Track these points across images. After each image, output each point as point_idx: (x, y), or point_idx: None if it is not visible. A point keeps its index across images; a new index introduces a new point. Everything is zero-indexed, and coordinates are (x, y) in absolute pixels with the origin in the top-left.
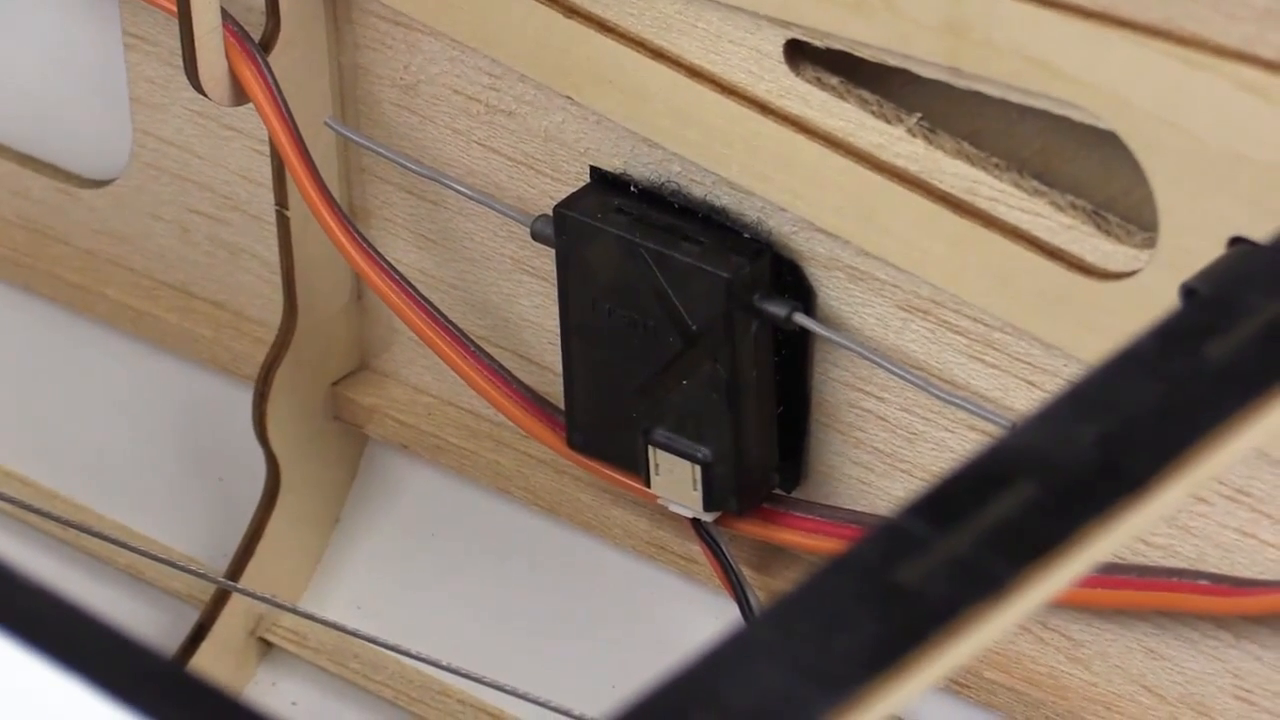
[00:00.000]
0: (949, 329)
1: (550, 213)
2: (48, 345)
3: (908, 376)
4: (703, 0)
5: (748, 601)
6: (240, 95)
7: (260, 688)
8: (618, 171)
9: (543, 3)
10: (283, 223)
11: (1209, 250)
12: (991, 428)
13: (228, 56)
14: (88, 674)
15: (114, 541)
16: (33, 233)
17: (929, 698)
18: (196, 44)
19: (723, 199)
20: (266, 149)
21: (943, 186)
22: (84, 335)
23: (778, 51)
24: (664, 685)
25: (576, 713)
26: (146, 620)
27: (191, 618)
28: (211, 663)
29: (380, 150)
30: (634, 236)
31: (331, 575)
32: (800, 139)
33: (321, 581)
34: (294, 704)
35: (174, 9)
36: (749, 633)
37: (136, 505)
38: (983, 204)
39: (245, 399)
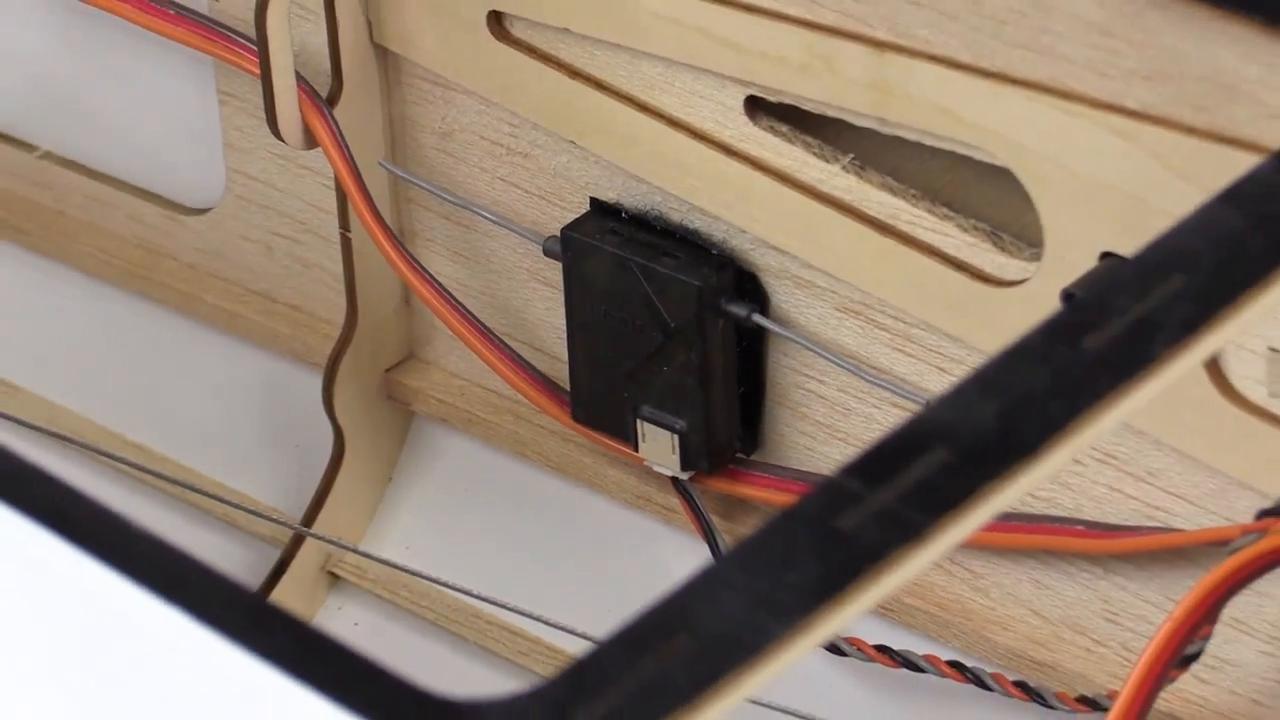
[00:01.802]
0: (876, 326)
1: (559, 234)
2: (160, 341)
3: (843, 364)
4: (679, 65)
5: (716, 544)
6: (311, 141)
7: (328, 612)
8: (612, 201)
9: (551, 66)
10: (345, 243)
11: (1084, 263)
12: (911, 405)
13: (301, 110)
14: (187, 605)
15: (212, 496)
16: (147, 251)
17: (860, 618)
18: (276, 100)
19: (695, 223)
20: (332, 184)
21: (870, 212)
22: (188, 333)
23: (739, 105)
24: (650, 611)
25: (580, 631)
26: (239, 559)
27: (274, 556)
28: (290, 592)
29: (423, 184)
30: (625, 253)
31: (385, 522)
32: (757, 175)
33: (377, 527)
34: (355, 624)
35: (257, 72)
36: (717, 570)
37: (230, 467)
38: (903, 226)
39: (316, 382)
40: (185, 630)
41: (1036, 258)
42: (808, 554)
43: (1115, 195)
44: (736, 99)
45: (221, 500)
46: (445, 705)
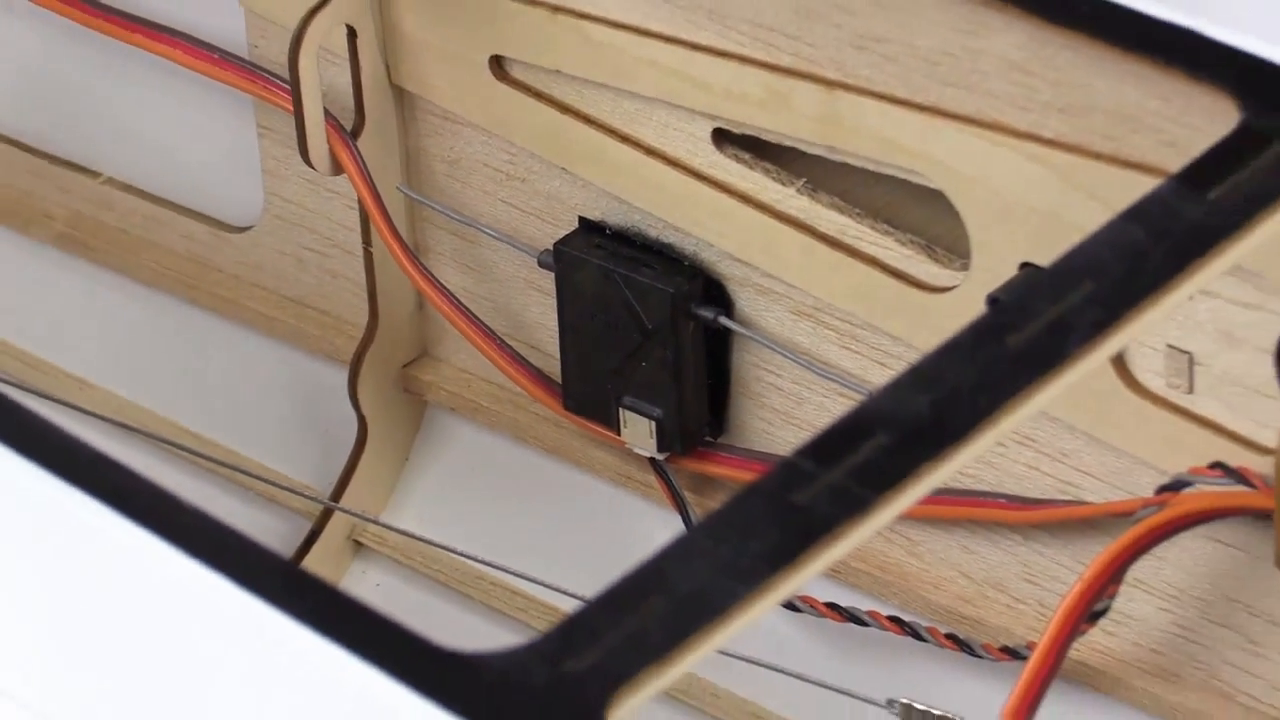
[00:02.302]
0: (825, 327)
1: (551, 248)
2: (208, 342)
3: (797, 360)
4: (656, 101)
5: (688, 516)
6: (338, 168)
7: (353, 576)
8: (598, 220)
9: (545, 103)
10: (368, 256)
11: (1007, 272)
12: (856, 395)
13: (329, 142)
14: (229, 571)
15: (253, 475)
16: (197, 264)
17: (813, 580)
18: (307, 133)
19: (669, 238)
20: (356, 205)
21: (821, 229)
22: (232, 335)
23: (707, 136)
24: (630, 575)
25: (571, 591)
26: (275, 530)
27: (306, 527)
28: (320, 558)
29: (434, 205)
30: (609, 265)
31: (402, 497)
32: (722, 197)
33: (395, 502)
34: (377, 585)
35: (291, 108)
36: (688, 539)
37: (268, 450)
38: (849, 240)
39: (343, 377)
40: (227, 593)
41: (965, 267)
42: (767, 525)
43: (1033, 213)
44: (705, 131)
45: (261, 479)
46: (453, 657)
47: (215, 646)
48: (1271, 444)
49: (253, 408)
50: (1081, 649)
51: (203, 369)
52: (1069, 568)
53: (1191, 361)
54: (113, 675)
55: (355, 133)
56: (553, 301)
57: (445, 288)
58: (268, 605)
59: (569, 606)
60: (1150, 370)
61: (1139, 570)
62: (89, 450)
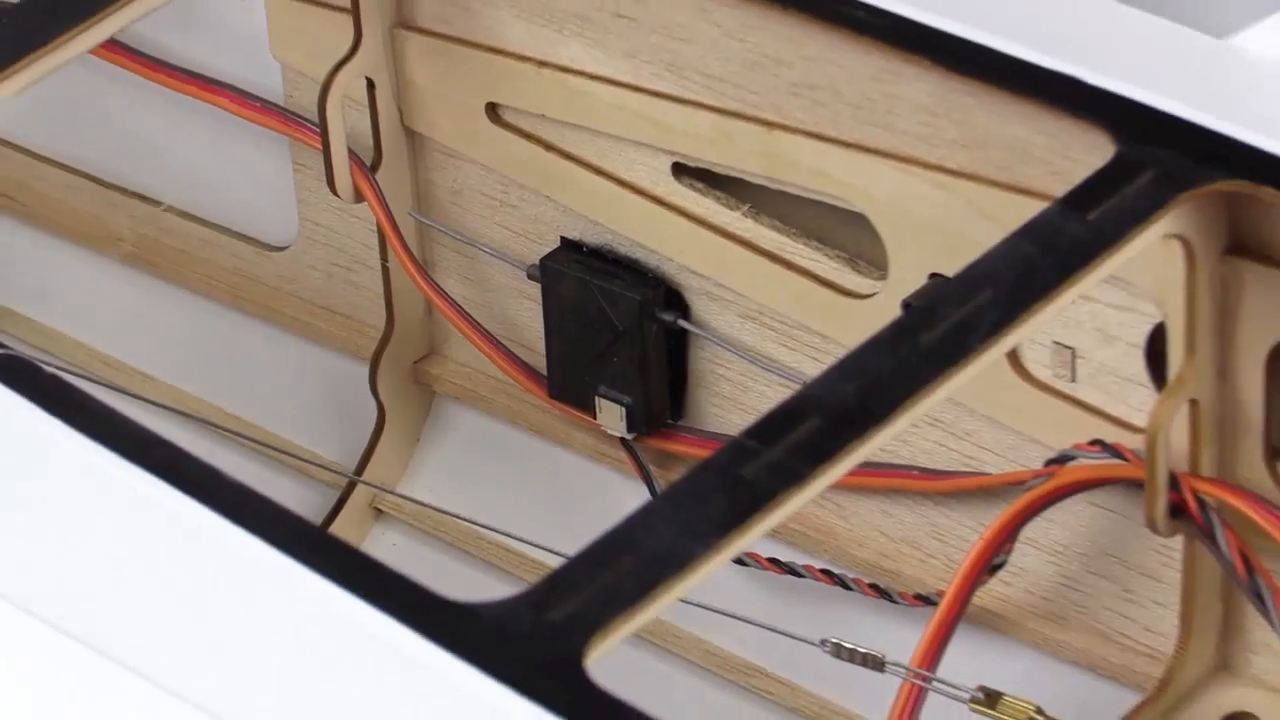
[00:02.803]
0: (767, 327)
1: (538, 263)
2: (252, 342)
3: (743, 355)
4: (625, 140)
5: (653, 487)
6: (359, 197)
7: (374, 538)
8: (576, 239)
9: (532, 143)
10: (385, 271)
11: (918, 281)
12: (793, 385)
13: (352, 175)
14: (266, 536)
15: (289, 453)
16: (243, 277)
17: (757, 540)
18: (334, 168)
19: (636, 254)
20: (375, 229)
21: (763, 246)
22: (272, 337)
23: (667, 169)
24: (604, 537)
25: (556, 550)
26: (308, 500)
27: (334, 497)
28: (345, 523)
29: (440, 228)
30: (586, 276)
31: (415, 472)
32: (680, 219)
33: (409, 475)
34: (394, 545)
35: (320, 147)
36: (653, 507)
37: (304, 431)
38: (787, 256)
39: (364, 371)
40: (265, 554)
41: (883, 278)
42: (719, 495)
43: (940, 232)
44: (665, 165)
45: (295, 456)
46: (455, 606)
47: (255, 598)
48: (1142, 425)
49: (288, 397)
50: (982, 596)
51: (247, 365)
52: (971, 528)
53: (1074, 355)
54: (169, 618)
55: (374, 167)
56: (539, 308)
57: (449, 296)
58: (299, 564)
59: (554, 563)
60: (1039, 363)
61: (1030, 530)
62: (148, 433)
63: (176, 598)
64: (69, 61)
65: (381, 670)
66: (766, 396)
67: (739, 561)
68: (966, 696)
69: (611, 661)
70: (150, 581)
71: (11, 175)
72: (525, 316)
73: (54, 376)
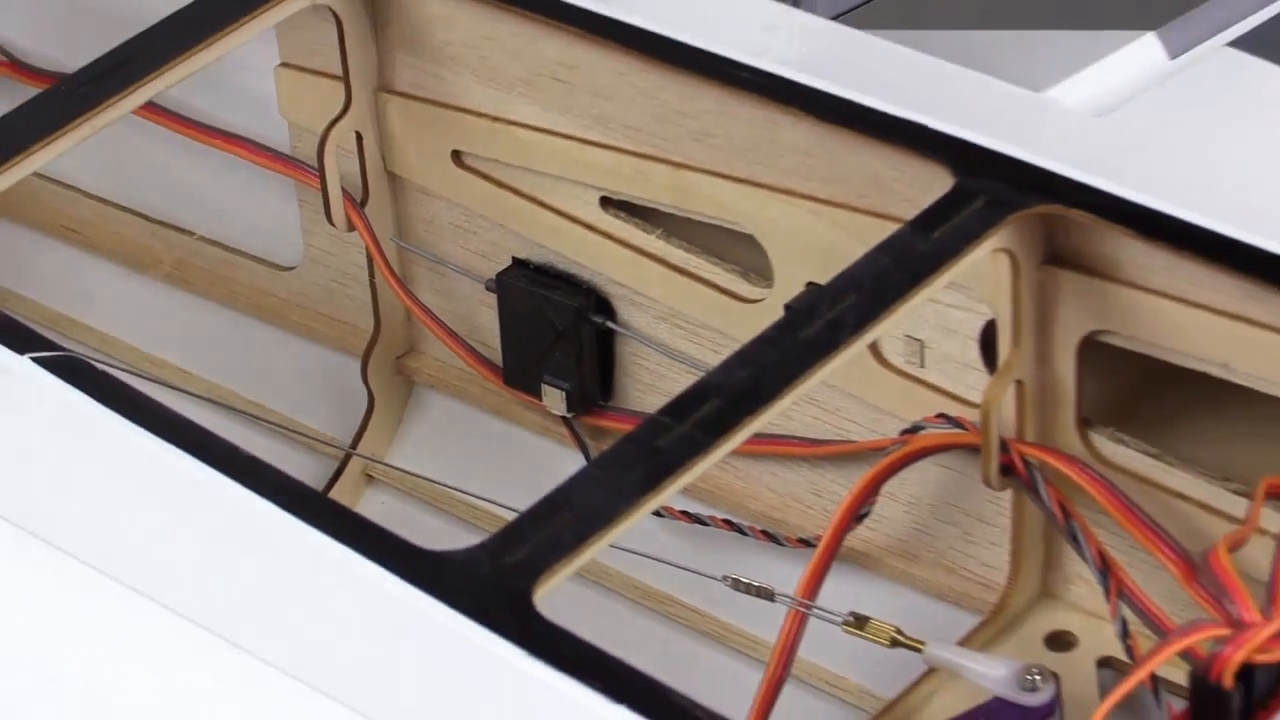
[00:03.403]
0: (677, 327)
1: (495, 278)
2: (267, 343)
3: (659, 349)
4: (562, 179)
5: (588, 456)
6: (351, 227)
7: (366, 499)
8: (525, 258)
9: (489, 182)
10: (373, 286)
11: (797, 289)
12: (698, 373)
13: (346, 209)
14: (275, 500)
15: (297, 431)
16: (260, 291)
17: (671, 497)
18: (331, 204)
19: (573, 270)
20: (365, 253)
21: (673, 262)
22: (284, 339)
23: (596, 201)
24: (548, 496)
25: (512, 506)
26: (311, 469)
27: (333, 466)
28: (343, 489)
29: (417, 251)
30: (533, 288)
31: (399, 446)
32: (608, 242)
33: (394, 449)
34: (382, 504)
35: (319, 187)
36: (588, 472)
37: (309, 414)
38: (692, 270)
39: (357, 365)
40: (276, 514)
41: (769, 286)
42: (640, 461)
43: (815, 249)
44: (594, 198)
45: (303, 434)
46: (429, 554)
47: (268, 547)
48: (977, 401)
49: (296, 386)
50: (852, 540)
51: (262, 361)
52: (842, 485)
53: (922, 346)
54: (201, 563)
55: (363, 203)
56: (496, 313)
57: (424, 305)
58: (303, 522)
59: (509, 517)
60: (895, 352)
61: (889, 487)
62: (181, 418)
63: (206, 548)
64: (116, 120)
65: (370, 606)
66: (677, 382)
67: (657, 514)
68: (840, 620)
69: (556, 596)
70: (184, 534)
71: (75, 213)
72: (485, 320)
73: (106, 373)
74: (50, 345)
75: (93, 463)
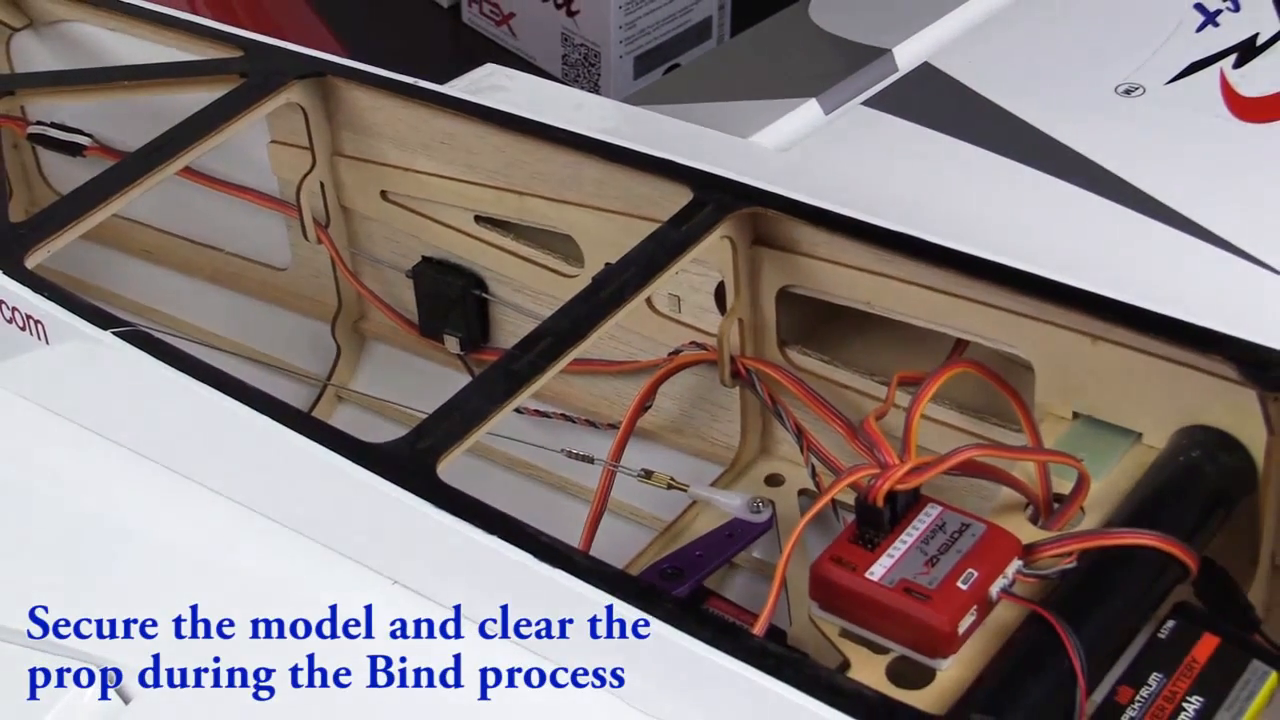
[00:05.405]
0: (528, 295)
1: (412, 270)
2: (270, 316)
3: (518, 308)
4: (449, 205)
5: (473, 375)
6: (321, 241)
7: (336, 415)
8: (430, 256)
9: (408, 211)
10: (336, 279)
11: (599, 266)
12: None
13: (316, 230)
14: (273, 416)
15: (291, 369)
16: (264, 284)
17: (526, 400)
18: (306, 227)
19: (462, 263)
20: (330, 258)
21: (522, 254)
22: (282, 313)
23: (471, 218)
24: (445, 404)
25: (426, 412)
26: (300, 396)
27: (314, 393)
28: (322, 408)
29: (363, 255)
30: (436, 274)
31: (359, 378)
32: (481, 244)
33: (355, 379)
34: (347, 416)
35: (298, 217)
36: (469, 387)
37: (298, 359)
38: (534, 258)
39: (328, 328)
40: (272, 426)
41: (582, 266)
42: (503, 378)
43: (608, 241)
44: (470, 217)
45: (294, 371)
46: (370, 445)
47: (267, 446)
48: (714, 333)
49: (290, 341)
50: (641, 423)
51: (268, 327)
52: (633, 389)
53: (680, 300)
54: (225, 457)
55: (327, 226)
56: (414, 292)
57: (369, 289)
58: (291, 431)
59: (422, 417)
60: (661, 304)
61: (663, 389)
62: (211, 367)
63: (233, 448)
64: (165, 179)
65: (333, 480)
66: (526, 328)
67: (518, 411)
68: (636, 474)
69: (453, 468)
70: (218, 439)
71: (145, 240)
72: (407, 297)
73: (163, 341)
74: (124, 323)
75: (155, 399)
